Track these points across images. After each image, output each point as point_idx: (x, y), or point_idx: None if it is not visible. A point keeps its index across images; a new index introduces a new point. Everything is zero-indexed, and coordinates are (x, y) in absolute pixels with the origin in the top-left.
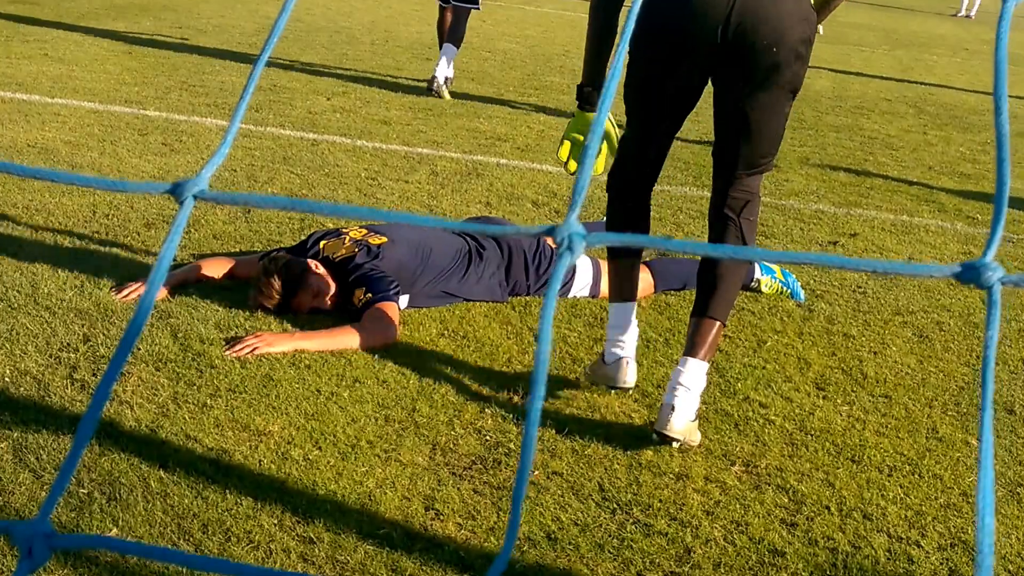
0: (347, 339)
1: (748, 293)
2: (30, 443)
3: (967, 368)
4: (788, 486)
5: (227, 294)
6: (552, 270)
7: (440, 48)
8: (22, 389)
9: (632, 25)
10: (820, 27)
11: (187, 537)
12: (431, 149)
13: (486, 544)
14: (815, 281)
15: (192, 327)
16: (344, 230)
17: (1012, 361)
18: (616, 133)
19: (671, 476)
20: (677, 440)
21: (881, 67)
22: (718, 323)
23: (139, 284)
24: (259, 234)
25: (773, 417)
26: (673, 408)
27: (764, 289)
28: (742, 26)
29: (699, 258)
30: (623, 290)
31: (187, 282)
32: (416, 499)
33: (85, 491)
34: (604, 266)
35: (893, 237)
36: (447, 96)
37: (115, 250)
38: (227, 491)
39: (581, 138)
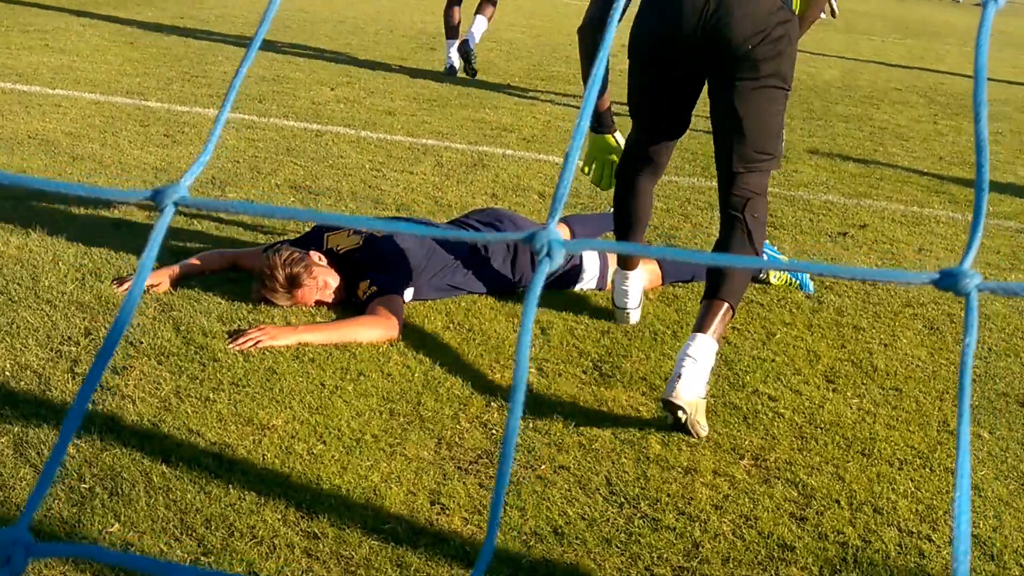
0: (351, 332)
1: (757, 285)
2: (31, 438)
3: (979, 360)
4: (798, 480)
5: (230, 287)
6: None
7: (452, 37)
8: (23, 383)
9: (611, 36)
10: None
11: (190, 532)
12: (436, 140)
13: None
14: None
15: (195, 320)
16: (344, 227)
17: None
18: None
19: (679, 470)
20: (682, 409)
21: (891, 56)
22: (727, 304)
23: None
24: (263, 226)
25: (782, 410)
26: (679, 376)
27: (773, 280)
28: (717, 24)
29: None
30: (632, 260)
31: (190, 275)
32: (421, 493)
33: (87, 486)
34: (611, 259)
35: (903, 228)
36: (458, 64)
37: (117, 242)
38: (230, 486)
39: (608, 157)
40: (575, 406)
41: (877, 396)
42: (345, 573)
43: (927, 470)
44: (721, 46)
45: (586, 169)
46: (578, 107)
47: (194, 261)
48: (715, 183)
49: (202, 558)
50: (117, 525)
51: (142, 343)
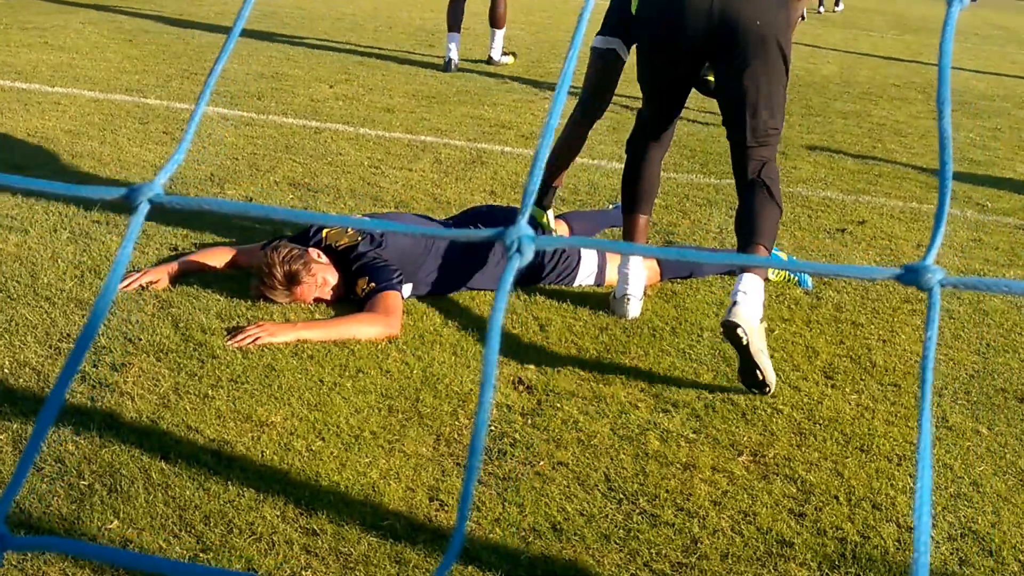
0: (350, 329)
1: None
2: (30, 435)
3: (977, 356)
4: (796, 476)
5: (229, 284)
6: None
7: (454, 31)
8: (21, 380)
9: (581, 34)
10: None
11: (188, 529)
12: (435, 137)
13: (491, 535)
14: None
15: (193, 317)
16: (355, 217)
17: (1022, 349)
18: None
19: (678, 466)
20: (740, 327)
21: (890, 52)
22: (763, 247)
23: (140, 274)
24: (261, 223)
25: (781, 406)
26: (736, 302)
27: (771, 276)
28: (725, 8)
29: (706, 247)
30: (635, 241)
31: (189, 271)
32: (420, 490)
33: (86, 483)
34: (610, 255)
35: (902, 224)
36: (508, 60)
37: (115, 239)
38: (229, 482)
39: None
40: (574, 402)
41: (876, 392)
42: (344, 569)
43: None
44: (730, 29)
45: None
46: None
47: (193, 258)
48: (713, 180)
49: (201, 554)
50: (116, 522)
51: (141, 340)
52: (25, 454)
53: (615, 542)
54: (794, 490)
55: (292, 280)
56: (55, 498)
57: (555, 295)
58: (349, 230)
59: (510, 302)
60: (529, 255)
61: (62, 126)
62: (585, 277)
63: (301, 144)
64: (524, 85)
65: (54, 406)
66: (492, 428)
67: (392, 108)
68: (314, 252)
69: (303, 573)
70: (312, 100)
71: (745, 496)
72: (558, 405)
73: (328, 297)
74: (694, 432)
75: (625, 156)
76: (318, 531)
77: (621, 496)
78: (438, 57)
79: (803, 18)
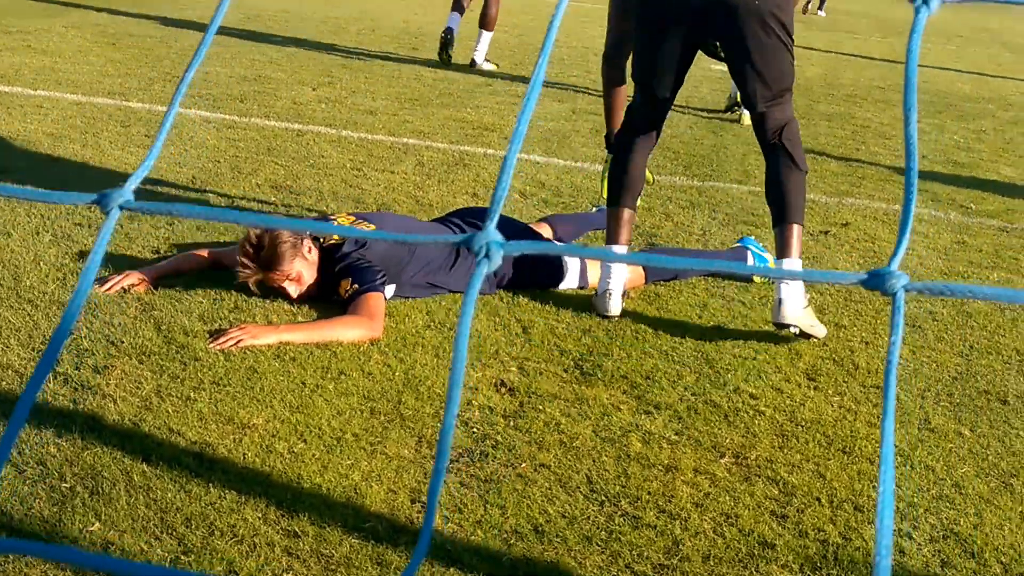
0: (332, 331)
1: (738, 283)
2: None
3: (960, 358)
4: (778, 478)
5: (211, 286)
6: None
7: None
8: (4, 383)
9: (558, 22)
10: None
11: (170, 531)
12: (417, 139)
13: (473, 537)
14: None
15: (176, 319)
16: (332, 217)
17: (1006, 351)
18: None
19: (660, 468)
20: (794, 326)
21: (874, 54)
22: (797, 225)
23: (122, 276)
24: (245, 225)
25: (763, 408)
26: (781, 300)
27: (756, 279)
28: None
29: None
30: (619, 235)
31: (171, 274)
32: (402, 492)
33: (68, 485)
34: (589, 260)
35: (885, 227)
36: (492, 68)
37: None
38: (211, 485)
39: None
40: (556, 404)
41: (858, 394)
42: (326, 571)
43: (907, 467)
44: (731, 8)
45: (603, 192)
46: (560, 105)
47: (175, 260)
48: (696, 182)
49: (182, 557)
50: (98, 524)
51: (123, 342)
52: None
53: (597, 544)
54: (776, 492)
55: (268, 264)
56: (37, 500)
57: (538, 297)
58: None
59: (492, 304)
60: (497, 260)
61: (44, 129)
62: (569, 280)
63: (283, 147)
64: (507, 87)
65: (26, 406)
66: (474, 430)
67: (375, 111)
68: (306, 246)
69: (284, 575)
70: (295, 103)
71: (727, 498)
72: (540, 407)
73: (294, 295)
74: (676, 434)
75: (613, 152)
76: (300, 533)
77: (603, 498)
78: (422, 60)
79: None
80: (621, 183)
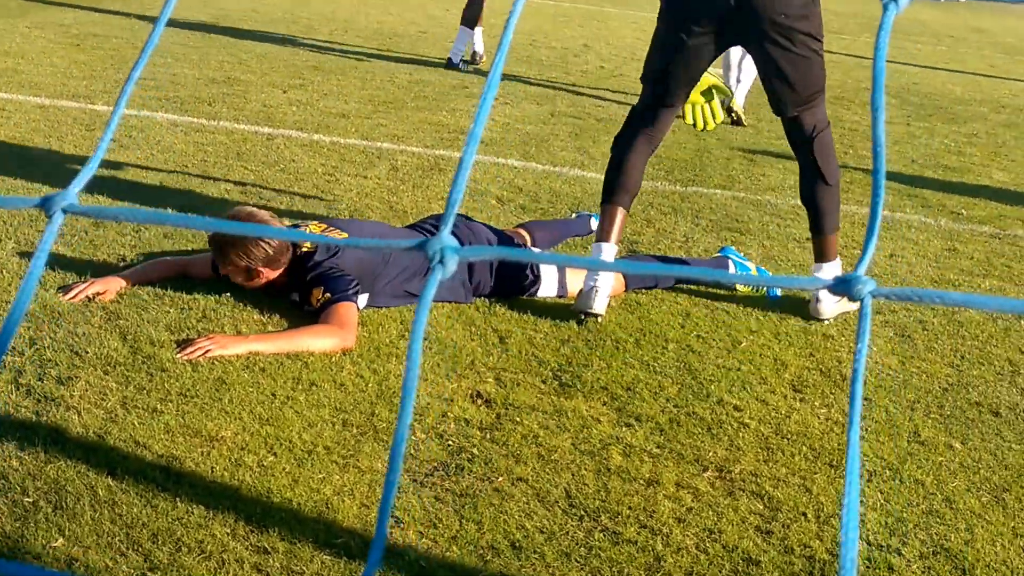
0: (304, 341)
1: (721, 291)
2: None
3: (951, 369)
4: (763, 492)
5: (179, 295)
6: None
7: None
8: None
9: (515, 20)
10: None
11: (136, 547)
12: (391, 143)
13: (448, 553)
14: None
15: (142, 329)
16: (302, 225)
17: (998, 361)
18: (722, 83)
19: (641, 482)
20: (829, 320)
21: (862, 55)
22: (832, 235)
23: (87, 284)
24: (207, 231)
25: (748, 420)
26: (819, 299)
27: (739, 287)
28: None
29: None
30: (609, 233)
31: (137, 283)
32: (375, 507)
33: (30, 500)
34: (568, 268)
35: None
36: (464, 68)
37: (61, 249)
38: (178, 499)
39: (699, 100)
40: (534, 416)
41: (846, 406)
42: None
43: (896, 482)
44: (757, 17)
45: (687, 118)
46: (538, 108)
47: (142, 268)
48: (678, 188)
49: (148, 574)
50: (61, 540)
51: (88, 353)
52: None
53: (576, 560)
54: (761, 507)
55: (219, 251)
56: None
57: (515, 306)
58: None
59: (468, 313)
60: (452, 266)
61: (7, 133)
62: (546, 289)
63: (253, 151)
64: (484, 90)
65: None
66: (449, 443)
67: (347, 114)
68: (284, 251)
69: None
70: (265, 106)
71: (710, 513)
72: (518, 419)
73: (259, 283)
74: (658, 447)
75: (610, 153)
76: (270, 549)
77: (582, 513)
78: (395, 62)
79: None
80: (617, 181)
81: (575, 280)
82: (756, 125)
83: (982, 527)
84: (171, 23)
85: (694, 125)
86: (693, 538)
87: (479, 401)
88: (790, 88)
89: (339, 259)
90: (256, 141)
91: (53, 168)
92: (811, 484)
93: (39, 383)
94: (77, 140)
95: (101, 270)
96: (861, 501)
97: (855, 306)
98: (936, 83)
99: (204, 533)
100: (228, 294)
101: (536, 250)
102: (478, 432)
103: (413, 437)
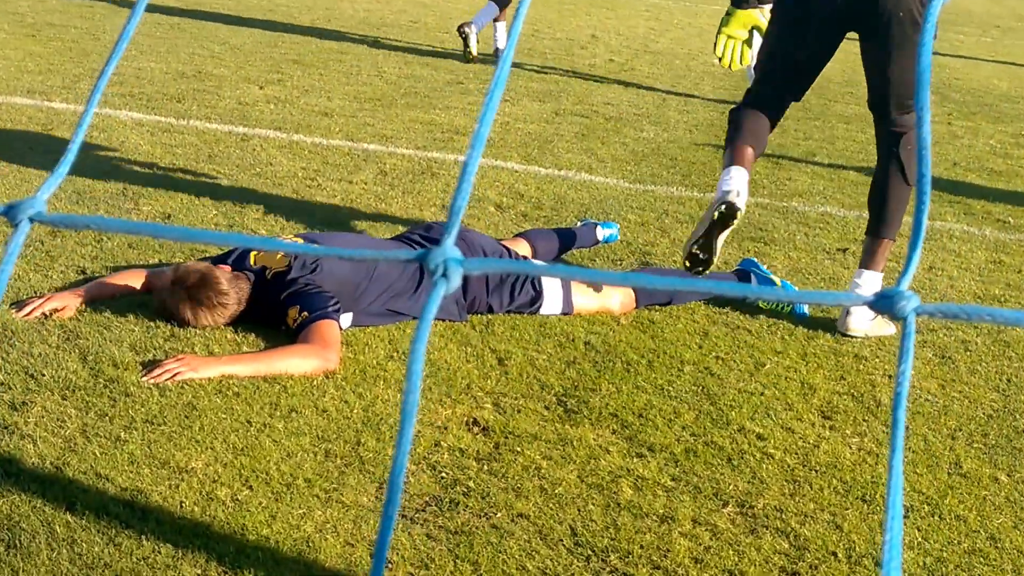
0: (282, 363)
1: (743, 308)
2: None
3: (996, 394)
4: (789, 529)
5: (144, 312)
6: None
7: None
8: None
9: (519, 26)
10: None
11: None
12: (379, 144)
13: None
14: None
15: (104, 349)
16: (277, 238)
17: None
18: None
19: (654, 518)
20: (858, 337)
21: None
22: (889, 240)
23: (43, 300)
24: (181, 243)
25: (772, 450)
26: (848, 312)
27: (762, 303)
28: None
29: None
30: (742, 157)
31: (98, 298)
32: (361, 545)
33: None
34: (573, 283)
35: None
36: (473, 51)
37: (19, 264)
38: (143, 537)
39: (739, 36)
40: (536, 446)
41: (880, 434)
42: None
43: (936, 518)
44: (870, 10)
45: (717, 49)
46: (541, 105)
47: (104, 282)
48: (696, 193)
49: None
50: None
51: (44, 376)
52: None
53: None
54: (786, 545)
55: (186, 324)
56: None
57: (516, 324)
58: (279, 253)
59: (463, 332)
60: (456, 280)
61: None
62: (550, 306)
63: (227, 153)
64: (481, 86)
65: None
66: (443, 475)
67: (330, 112)
68: (234, 297)
69: None
70: (240, 103)
71: (730, 552)
72: (518, 449)
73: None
74: (673, 480)
75: (728, 121)
76: None
77: (589, 552)
78: (382, 55)
79: None
80: (741, 125)
81: (581, 295)
82: (782, 124)
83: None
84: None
85: (720, 60)
86: None
87: (476, 429)
88: (895, 84)
89: (316, 275)
90: (229, 142)
91: (6, 171)
92: (841, 521)
93: None
94: (32, 140)
95: (58, 284)
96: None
97: (890, 329)
98: (980, 77)
99: (173, 574)
100: None
101: (539, 263)
102: (474, 463)
103: (404, 471)
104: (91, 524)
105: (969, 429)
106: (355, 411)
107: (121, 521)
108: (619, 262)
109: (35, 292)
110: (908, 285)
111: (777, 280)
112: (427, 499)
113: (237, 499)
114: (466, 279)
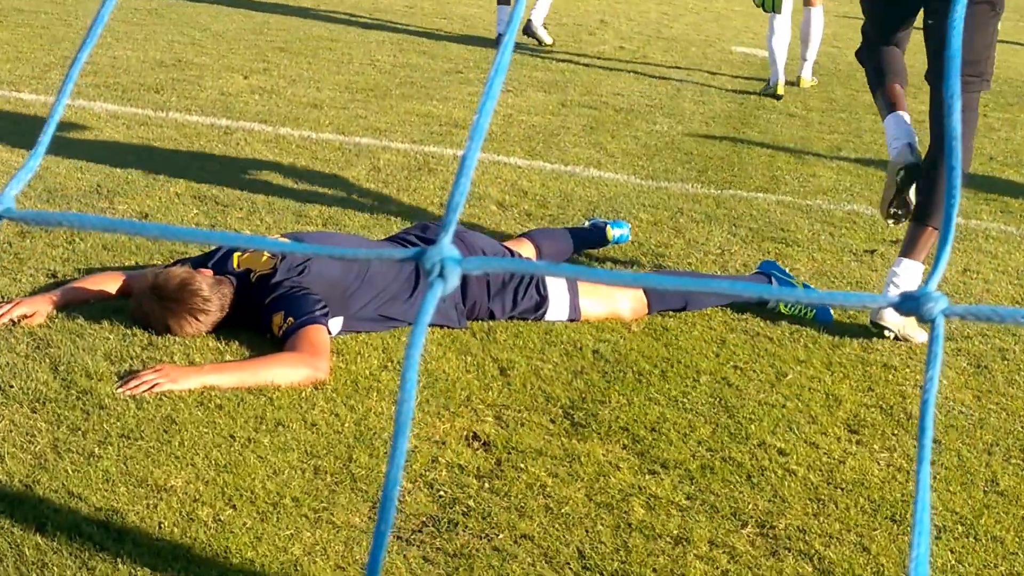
0: (267, 372)
1: (763, 314)
2: None
3: None
4: (813, 552)
5: (119, 318)
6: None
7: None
8: None
9: (521, 9)
10: None
11: None
12: (372, 138)
13: None
14: None
15: (76, 359)
16: (262, 237)
17: None
18: None
19: (667, 540)
20: (890, 331)
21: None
22: (932, 229)
23: (11, 305)
24: (159, 243)
25: (795, 467)
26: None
27: (783, 308)
28: None
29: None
30: (902, 103)
31: (71, 304)
32: (352, 568)
33: None
34: (582, 285)
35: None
36: (547, 40)
37: None
38: (119, 560)
39: None
40: (541, 462)
41: (910, 450)
42: None
43: (971, 539)
44: None
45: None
46: (547, 96)
47: (77, 286)
48: (713, 190)
49: None
50: None
51: (12, 387)
52: None
53: None
54: (810, 568)
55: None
56: None
57: (519, 331)
58: (264, 254)
59: (462, 340)
60: (455, 281)
61: None
62: (556, 312)
63: (209, 148)
64: (481, 76)
65: None
66: (441, 493)
67: (320, 103)
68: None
69: None
70: (223, 94)
71: None
72: (522, 465)
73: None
74: (688, 498)
75: (864, 62)
76: None
77: None
78: (376, 42)
79: None
80: (880, 64)
81: (590, 300)
82: (806, 116)
83: None
84: None
85: (761, 5)
86: None
87: (476, 444)
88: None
89: (303, 278)
90: (212, 136)
91: None
92: (869, 542)
93: None
94: (1, 133)
95: (28, 288)
96: (930, 562)
97: (922, 336)
98: (1018, 64)
99: None
100: None
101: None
102: (475, 481)
103: (398, 486)
104: (63, 546)
105: (1007, 444)
106: (346, 425)
107: (95, 543)
108: (630, 264)
109: (2, 297)
110: (937, 286)
111: (799, 283)
112: (424, 519)
113: (220, 519)
114: (466, 282)
